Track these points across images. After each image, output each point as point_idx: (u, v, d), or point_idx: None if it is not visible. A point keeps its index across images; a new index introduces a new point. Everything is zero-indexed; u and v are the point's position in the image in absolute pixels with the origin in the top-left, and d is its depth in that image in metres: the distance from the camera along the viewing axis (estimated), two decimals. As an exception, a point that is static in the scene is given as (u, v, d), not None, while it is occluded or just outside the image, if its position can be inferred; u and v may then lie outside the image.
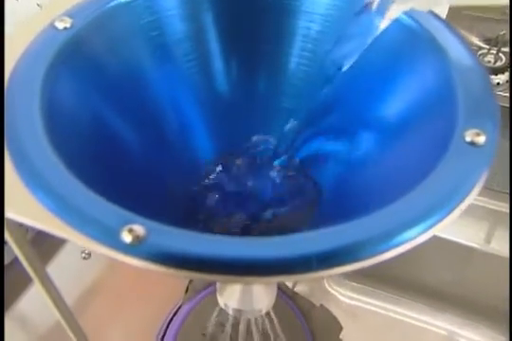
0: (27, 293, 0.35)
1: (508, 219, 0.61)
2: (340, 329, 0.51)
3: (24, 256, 0.25)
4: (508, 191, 0.62)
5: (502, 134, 0.20)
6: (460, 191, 0.18)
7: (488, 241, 0.61)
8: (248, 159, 0.25)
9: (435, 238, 0.60)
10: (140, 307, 0.41)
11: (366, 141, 0.23)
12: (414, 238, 0.17)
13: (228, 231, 0.23)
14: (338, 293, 0.69)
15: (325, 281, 0.69)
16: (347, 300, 0.68)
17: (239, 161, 0.25)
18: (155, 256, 0.16)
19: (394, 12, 0.21)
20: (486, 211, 0.62)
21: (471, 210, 0.63)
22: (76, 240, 0.17)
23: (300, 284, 0.62)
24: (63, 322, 0.29)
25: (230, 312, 0.33)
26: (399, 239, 0.17)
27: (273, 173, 0.25)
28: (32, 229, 0.38)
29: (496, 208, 0.63)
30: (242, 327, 0.41)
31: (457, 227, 0.62)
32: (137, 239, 0.16)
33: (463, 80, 0.20)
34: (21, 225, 0.37)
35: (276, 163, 0.25)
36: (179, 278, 0.43)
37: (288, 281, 0.16)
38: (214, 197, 0.25)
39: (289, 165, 0.26)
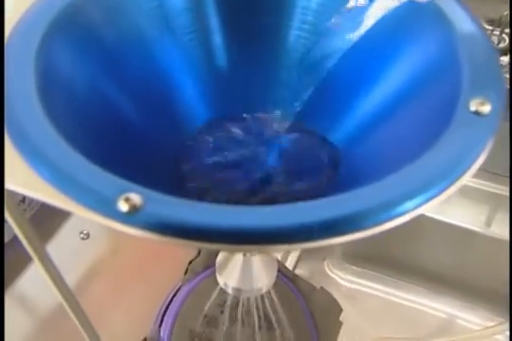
0: (26, 272, 0.35)
1: (509, 202, 0.60)
2: (340, 311, 0.51)
3: (23, 234, 0.25)
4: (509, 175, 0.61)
5: (503, 116, 0.20)
6: (465, 161, 0.18)
7: (489, 224, 0.61)
8: (250, 125, 0.25)
9: (436, 221, 0.60)
10: (140, 288, 0.41)
11: (370, 111, 0.23)
12: (418, 207, 0.17)
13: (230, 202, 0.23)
14: (338, 276, 0.69)
15: (325, 265, 0.69)
16: (347, 284, 0.68)
17: (240, 126, 0.24)
18: (152, 225, 0.16)
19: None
20: (487, 195, 0.62)
21: (472, 194, 0.63)
22: (73, 209, 0.17)
23: (299, 268, 0.62)
24: (63, 302, 0.29)
25: (230, 291, 0.33)
26: (403, 208, 0.17)
27: (279, 137, 0.24)
28: (30, 209, 0.37)
29: (497, 192, 0.62)
30: (241, 307, 0.41)
31: (458, 211, 0.61)
32: (134, 208, 0.16)
33: (467, 49, 0.20)
34: (19, 204, 0.37)
35: (281, 126, 0.24)
36: (178, 258, 0.43)
37: (288, 250, 0.15)
38: (215, 166, 0.24)
39: (296, 127, 0.25)
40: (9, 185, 0.18)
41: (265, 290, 0.33)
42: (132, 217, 0.16)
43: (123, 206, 0.16)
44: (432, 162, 0.17)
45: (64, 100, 0.20)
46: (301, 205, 0.16)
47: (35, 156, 0.18)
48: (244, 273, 0.32)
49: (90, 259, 0.40)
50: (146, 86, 0.23)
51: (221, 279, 0.33)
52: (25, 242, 0.25)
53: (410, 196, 0.17)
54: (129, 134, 0.22)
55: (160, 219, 0.16)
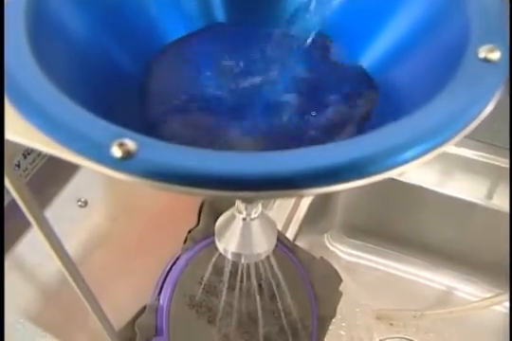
0: (25, 238, 0.34)
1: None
2: (340, 281, 0.51)
3: (21, 198, 0.24)
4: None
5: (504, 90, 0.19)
6: (473, 108, 0.17)
7: (490, 196, 0.60)
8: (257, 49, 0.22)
9: (436, 194, 0.59)
10: (140, 257, 0.41)
11: (390, 43, 0.21)
12: (424, 154, 0.16)
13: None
14: (338, 249, 0.69)
15: (325, 238, 0.69)
16: (347, 257, 0.68)
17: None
18: (146, 171, 0.15)
19: None
20: (489, 167, 0.62)
21: (473, 166, 0.62)
22: (69, 157, 0.16)
23: (299, 241, 0.62)
24: (63, 268, 0.28)
25: (230, 256, 0.32)
26: (408, 154, 0.16)
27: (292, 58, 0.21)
28: (26, 175, 0.37)
29: (498, 164, 0.62)
30: (241, 276, 0.41)
31: (459, 183, 0.61)
32: (128, 154, 0.15)
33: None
34: (16, 168, 0.36)
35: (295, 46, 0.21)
36: (177, 227, 0.43)
37: (288, 197, 0.15)
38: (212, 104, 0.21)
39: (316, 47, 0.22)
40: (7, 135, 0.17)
41: (264, 256, 0.33)
42: (126, 163, 0.15)
43: (117, 152, 0.15)
44: (440, 109, 0.17)
45: (55, 47, 0.19)
46: (303, 150, 0.15)
47: (26, 105, 0.17)
48: (243, 238, 0.31)
49: (88, 227, 0.39)
50: (134, 28, 0.22)
51: (220, 245, 0.32)
52: (23, 206, 0.24)
53: (416, 143, 0.16)
54: (121, 80, 0.21)
55: (155, 164, 0.15)
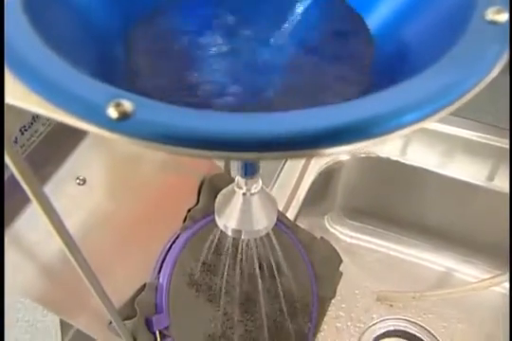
0: (23, 214, 0.34)
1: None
2: (340, 261, 0.51)
3: (20, 174, 0.24)
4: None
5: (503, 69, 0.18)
6: (480, 69, 0.17)
7: (491, 178, 0.60)
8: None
9: (438, 176, 0.59)
10: (140, 235, 0.41)
11: (382, 17, 0.21)
12: (429, 117, 0.16)
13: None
14: (338, 231, 0.69)
15: (325, 220, 0.69)
16: (347, 239, 0.68)
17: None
18: (142, 132, 0.15)
19: None
20: (490, 148, 0.61)
21: (475, 148, 0.62)
22: (66, 120, 0.16)
23: (299, 222, 0.61)
24: (62, 244, 0.28)
25: (230, 233, 0.32)
26: (413, 115, 0.15)
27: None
28: (23, 151, 0.36)
29: (500, 145, 0.61)
30: (241, 254, 0.41)
31: (460, 165, 0.61)
32: (125, 114, 0.15)
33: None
34: (14, 145, 0.36)
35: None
36: (177, 205, 0.43)
37: (287, 158, 0.14)
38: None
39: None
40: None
41: (264, 232, 0.33)
42: (122, 124, 0.15)
43: (113, 113, 0.15)
44: (448, 70, 0.16)
45: (50, 7, 0.18)
46: (304, 111, 0.15)
47: (21, 67, 0.17)
48: (243, 213, 0.31)
49: (87, 205, 0.39)
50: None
51: (220, 221, 0.32)
52: (22, 182, 0.24)
53: (423, 104, 0.16)
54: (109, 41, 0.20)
55: (153, 125, 0.15)
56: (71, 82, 0.16)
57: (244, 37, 0.21)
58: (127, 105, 0.15)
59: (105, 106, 0.15)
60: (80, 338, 0.48)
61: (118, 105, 0.15)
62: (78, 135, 0.37)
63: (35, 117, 0.35)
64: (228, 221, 0.31)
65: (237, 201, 0.31)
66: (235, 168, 0.29)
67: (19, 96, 0.17)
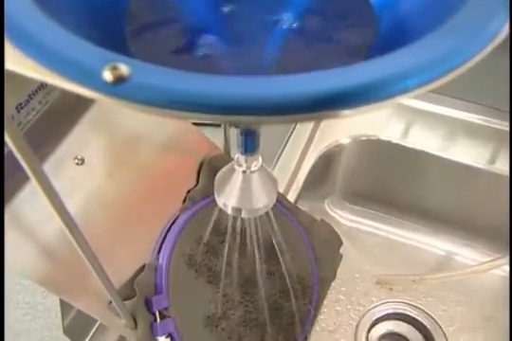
0: (22, 192, 0.33)
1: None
2: (340, 243, 0.51)
3: (19, 151, 0.23)
4: None
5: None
6: (489, 32, 0.16)
7: (493, 161, 0.60)
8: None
9: (438, 159, 0.58)
10: (139, 216, 0.40)
11: None
12: (433, 81, 0.15)
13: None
14: (338, 215, 0.68)
15: (325, 204, 0.69)
16: (347, 223, 0.68)
17: None
18: (140, 95, 0.14)
19: None
20: (492, 131, 0.61)
21: (477, 131, 0.61)
22: (63, 85, 0.15)
23: (299, 206, 0.61)
24: (61, 222, 0.28)
25: (229, 211, 0.32)
26: (422, 78, 0.15)
27: None
28: (20, 129, 0.36)
29: (501, 128, 0.61)
30: (241, 235, 0.41)
31: (462, 148, 0.60)
32: (121, 78, 0.14)
33: None
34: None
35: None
36: (177, 186, 0.42)
37: (287, 123, 0.14)
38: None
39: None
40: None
41: (264, 211, 0.32)
42: (118, 88, 0.14)
43: (108, 76, 0.14)
44: (453, 34, 0.16)
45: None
46: (306, 75, 0.15)
47: (15, 31, 0.16)
48: (243, 191, 0.31)
49: (86, 186, 0.38)
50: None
51: (220, 200, 0.32)
52: (21, 159, 0.24)
53: (428, 66, 0.15)
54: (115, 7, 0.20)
55: (150, 89, 0.14)
56: (65, 46, 0.15)
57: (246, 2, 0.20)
58: (123, 69, 0.15)
59: (100, 70, 0.15)
60: (80, 320, 0.48)
61: (113, 69, 0.15)
62: (75, 114, 0.37)
63: (31, 95, 0.34)
64: (227, 199, 0.31)
65: (237, 179, 0.30)
66: (235, 145, 0.29)
67: (14, 61, 0.16)
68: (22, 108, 0.34)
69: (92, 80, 0.15)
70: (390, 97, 0.15)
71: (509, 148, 0.58)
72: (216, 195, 0.32)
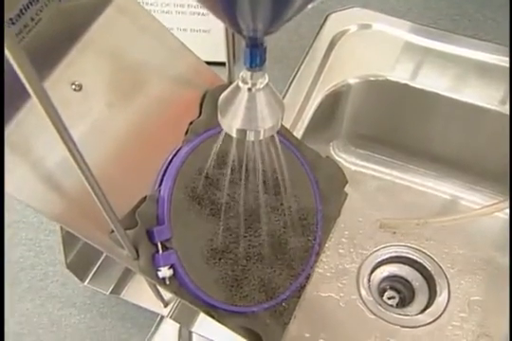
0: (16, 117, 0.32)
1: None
2: (346, 181, 0.50)
3: (20, 67, 0.22)
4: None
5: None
6: None
7: (504, 101, 0.58)
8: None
9: (448, 100, 0.56)
10: (141, 147, 0.39)
11: None
12: None
13: None
14: (343, 159, 0.67)
15: (330, 148, 0.67)
16: (352, 167, 0.67)
17: None
18: None
19: None
20: (504, 70, 0.59)
21: (489, 70, 0.59)
22: None
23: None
24: (63, 145, 0.26)
25: (234, 134, 0.31)
26: None
27: None
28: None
29: (515, 68, 0.59)
30: (245, 167, 0.40)
31: (472, 89, 0.58)
32: None
33: None
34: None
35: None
36: (179, 118, 0.41)
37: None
38: None
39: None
40: None
41: (269, 134, 0.31)
42: None
43: None
44: None
45: None
46: None
47: None
48: (248, 111, 0.29)
49: (85, 112, 0.37)
50: None
51: (224, 122, 0.31)
52: (23, 76, 0.22)
53: None
54: None
55: None
56: None
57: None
58: None
59: None
60: (83, 257, 0.48)
61: None
62: (73, 36, 0.35)
63: (23, 10, 0.32)
64: (232, 120, 0.30)
65: (242, 98, 0.29)
66: (240, 59, 0.27)
67: None
68: (13, 24, 0.32)
69: None
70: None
71: (509, 136, 0.56)
72: (220, 117, 0.31)
